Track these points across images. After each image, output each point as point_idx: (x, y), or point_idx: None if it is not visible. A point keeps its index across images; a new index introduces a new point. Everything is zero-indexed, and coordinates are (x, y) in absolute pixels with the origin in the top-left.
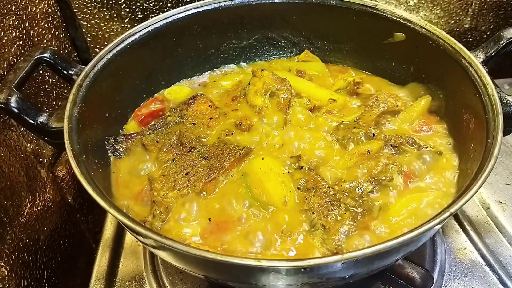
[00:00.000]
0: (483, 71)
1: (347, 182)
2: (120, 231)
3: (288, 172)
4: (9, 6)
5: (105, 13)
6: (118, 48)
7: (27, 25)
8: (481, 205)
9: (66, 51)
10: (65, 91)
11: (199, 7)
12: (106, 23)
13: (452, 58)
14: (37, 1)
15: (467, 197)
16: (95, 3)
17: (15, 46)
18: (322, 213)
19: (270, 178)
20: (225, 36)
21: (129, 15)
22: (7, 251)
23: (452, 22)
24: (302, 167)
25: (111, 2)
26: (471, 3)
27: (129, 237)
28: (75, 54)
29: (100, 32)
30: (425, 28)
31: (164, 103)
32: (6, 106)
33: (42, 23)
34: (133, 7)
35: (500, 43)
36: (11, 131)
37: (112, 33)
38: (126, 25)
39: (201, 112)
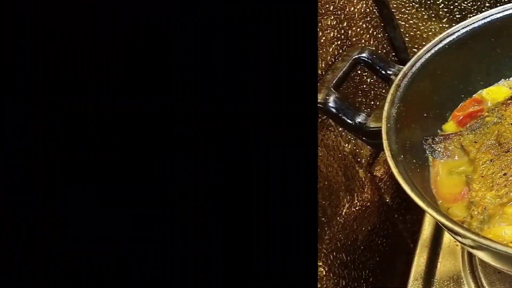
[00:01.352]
0: None
1: None
2: (438, 231)
3: None
4: (327, 6)
5: (423, 13)
6: (436, 48)
7: (345, 25)
8: None
9: (384, 51)
10: (383, 91)
11: None
12: (424, 23)
13: None
14: (355, 1)
15: None
16: (413, 3)
17: (333, 46)
18: None
19: None
20: None
21: (447, 15)
22: (325, 251)
23: None
24: None
25: (429, 2)
26: None
27: (447, 237)
28: (393, 54)
29: (418, 32)
30: None
31: (482, 103)
32: (324, 106)
33: (360, 23)
34: (451, 7)
35: None
36: (329, 131)
37: (430, 33)
38: (444, 25)
39: None
